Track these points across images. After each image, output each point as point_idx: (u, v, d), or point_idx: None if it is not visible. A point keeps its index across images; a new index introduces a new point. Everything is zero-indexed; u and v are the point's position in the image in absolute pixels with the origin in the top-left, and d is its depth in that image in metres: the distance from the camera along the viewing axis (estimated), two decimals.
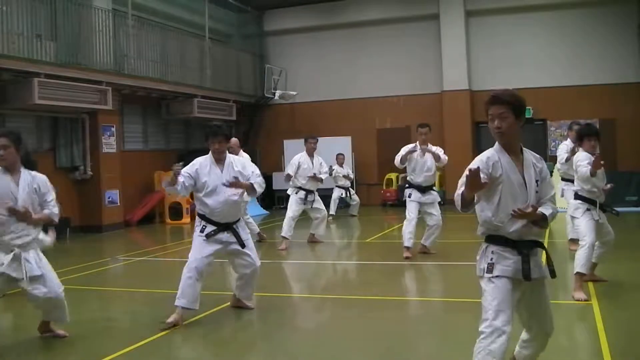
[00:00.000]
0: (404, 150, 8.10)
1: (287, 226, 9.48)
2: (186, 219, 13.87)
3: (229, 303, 5.77)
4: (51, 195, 4.60)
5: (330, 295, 6.47)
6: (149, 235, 12.86)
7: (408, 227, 8.08)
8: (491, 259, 3.10)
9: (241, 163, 5.49)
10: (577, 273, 5.60)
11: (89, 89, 11.67)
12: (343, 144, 16.29)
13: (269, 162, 16.75)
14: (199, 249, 5.26)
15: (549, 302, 3.25)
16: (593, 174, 5.59)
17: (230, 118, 16.14)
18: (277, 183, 15.70)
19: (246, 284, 5.60)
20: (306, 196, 9.59)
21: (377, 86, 17.04)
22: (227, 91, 16.15)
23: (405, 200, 8.31)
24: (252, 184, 5.39)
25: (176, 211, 14.21)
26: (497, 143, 3.18)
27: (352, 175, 14.71)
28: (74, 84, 11.27)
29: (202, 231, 5.29)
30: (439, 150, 8.15)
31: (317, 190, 9.86)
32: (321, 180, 9.73)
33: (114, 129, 13.06)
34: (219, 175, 5.24)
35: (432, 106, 16.31)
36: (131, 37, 13.13)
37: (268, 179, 16.50)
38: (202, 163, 5.32)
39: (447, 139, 15.41)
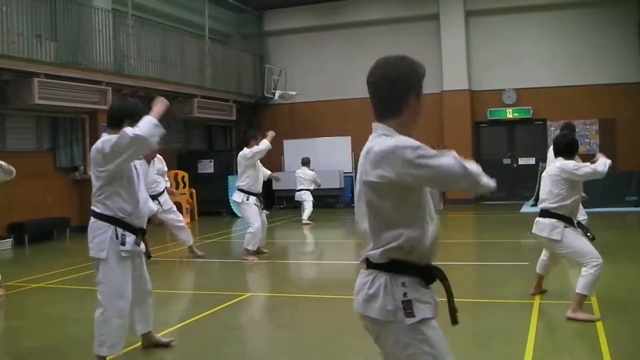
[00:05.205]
0: None
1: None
2: (186, 219, 13.85)
3: (229, 303, 5.77)
4: None
5: (329, 295, 6.46)
6: (149, 235, 12.70)
7: None
8: (404, 294, 2.17)
9: None
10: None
11: (89, 89, 11.66)
12: (343, 144, 16.28)
13: (269, 162, 16.72)
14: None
15: None
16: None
17: (230, 118, 16.17)
18: (277, 183, 15.67)
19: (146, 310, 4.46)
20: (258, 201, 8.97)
21: None
22: (227, 91, 16.15)
23: None
24: None
25: None
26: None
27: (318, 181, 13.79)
28: (73, 84, 11.26)
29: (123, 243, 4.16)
30: None
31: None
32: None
33: None
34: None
35: (432, 106, 16.26)
36: (131, 37, 13.13)
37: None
38: None
39: (447, 139, 15.40)
